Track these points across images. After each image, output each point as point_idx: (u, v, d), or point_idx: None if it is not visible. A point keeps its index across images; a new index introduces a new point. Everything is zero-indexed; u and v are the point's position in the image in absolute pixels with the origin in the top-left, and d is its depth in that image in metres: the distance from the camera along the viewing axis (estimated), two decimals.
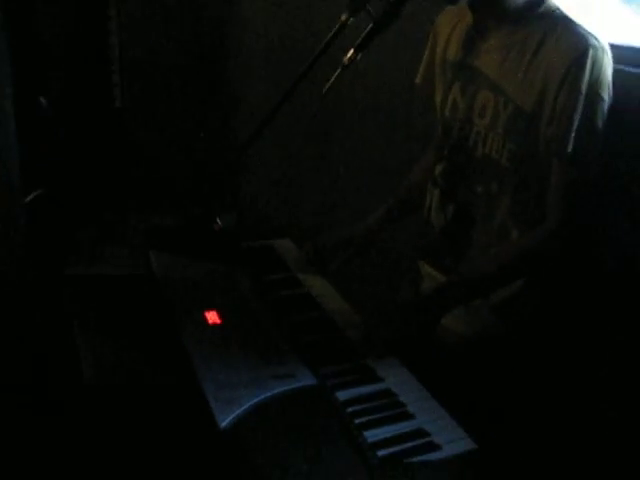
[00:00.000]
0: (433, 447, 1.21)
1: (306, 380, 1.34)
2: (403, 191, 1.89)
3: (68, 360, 1.43)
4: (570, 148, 1.43)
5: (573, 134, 1.42)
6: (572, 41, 1.43)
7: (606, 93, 1.43)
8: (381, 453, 1.18)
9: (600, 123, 1.43)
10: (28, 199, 1.58)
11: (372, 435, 1.22)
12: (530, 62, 1.48)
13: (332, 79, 1.60)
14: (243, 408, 1.24)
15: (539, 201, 1.53)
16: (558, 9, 1.50)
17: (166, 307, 1.56)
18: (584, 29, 1.44)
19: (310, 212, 2.97)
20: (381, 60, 2.07)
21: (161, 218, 1.95)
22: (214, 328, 1.47)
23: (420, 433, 1.24)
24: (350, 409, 1.29)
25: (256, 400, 1.26)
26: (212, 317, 1.50)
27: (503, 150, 1.53)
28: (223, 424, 1.20)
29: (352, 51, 1.60)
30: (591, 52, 1.41)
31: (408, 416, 1.29)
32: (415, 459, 1.18)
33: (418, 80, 1.84)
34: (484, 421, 1.34)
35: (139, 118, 2.99)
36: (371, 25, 1.58)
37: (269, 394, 1.28)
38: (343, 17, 1.62)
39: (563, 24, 1.46)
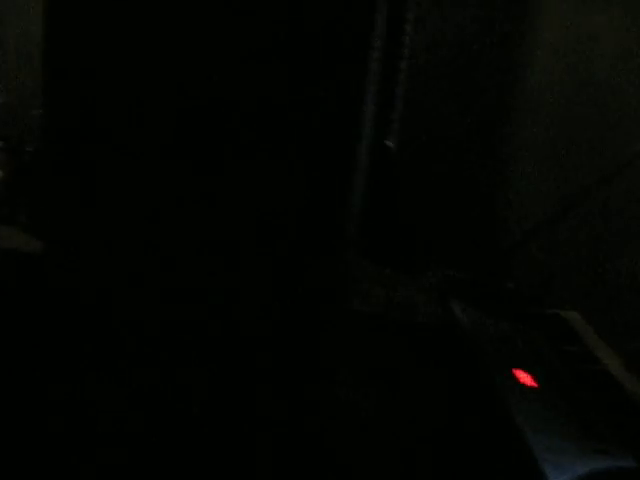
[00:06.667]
0: None
1: (626, 461, 1.37)
2: None
3: None
4: None
5: None
6: None
7: None
8: None
9: None
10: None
11: None
12: None
13: None
14: (569, 476, 1.29)
15: None
16: None
17: (474, 357, 1.65)
18: None
19: None
20: None
21: (455, 271, 2.04)
22: (530, 390, 1.54)
23: None
24: None
25: (582, 471, 1.31)
26: (523, 377, 1.57)
27: None
28: None
29: None
30: None
31: None
32: None
33: None
34: None
35: (409, 162, 3.09)
36: None
37: (592, 467, 1.33)
38: None
39: None
